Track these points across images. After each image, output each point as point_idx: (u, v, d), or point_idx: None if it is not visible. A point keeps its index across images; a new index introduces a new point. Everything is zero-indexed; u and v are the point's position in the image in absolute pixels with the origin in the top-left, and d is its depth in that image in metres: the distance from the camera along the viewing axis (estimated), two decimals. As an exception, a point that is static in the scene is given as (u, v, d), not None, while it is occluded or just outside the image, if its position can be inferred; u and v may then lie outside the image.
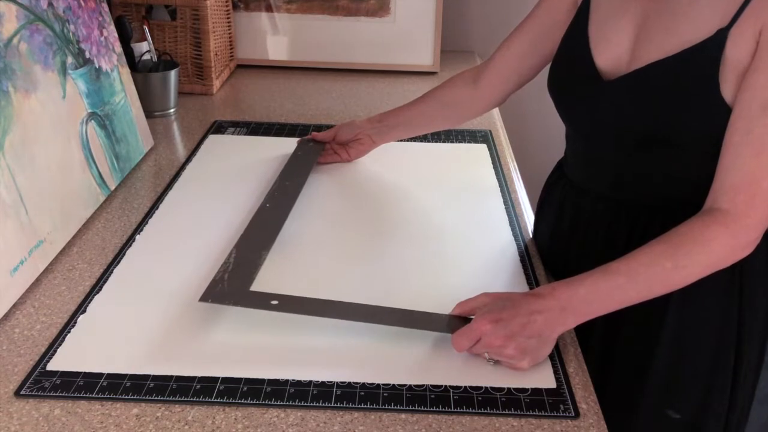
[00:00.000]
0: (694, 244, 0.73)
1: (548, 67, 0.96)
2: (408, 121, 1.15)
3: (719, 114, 0.75)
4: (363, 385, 0.72)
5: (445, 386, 0.72)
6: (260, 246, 0.93)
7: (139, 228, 1.01)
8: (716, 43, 0.73)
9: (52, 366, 0.74)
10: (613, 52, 0.84)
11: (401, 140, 1.32)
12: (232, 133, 1.36)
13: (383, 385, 0.72)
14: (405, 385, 0.72)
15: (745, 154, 0.73)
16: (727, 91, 0.74)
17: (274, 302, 0.81)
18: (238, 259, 0.89)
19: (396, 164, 1.24)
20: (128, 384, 0.71)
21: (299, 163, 1.18)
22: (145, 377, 0.72)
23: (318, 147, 1.22)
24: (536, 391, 0.72)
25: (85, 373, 0.73)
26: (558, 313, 0.73)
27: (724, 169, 0.75)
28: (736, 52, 0.73)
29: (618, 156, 0.87)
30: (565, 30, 0.93)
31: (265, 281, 0.88)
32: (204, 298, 0.81)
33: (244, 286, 0.84)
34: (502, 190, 1.15)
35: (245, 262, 0.89)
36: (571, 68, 0.90)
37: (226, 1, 1.67)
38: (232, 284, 0.84)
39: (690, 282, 0.75)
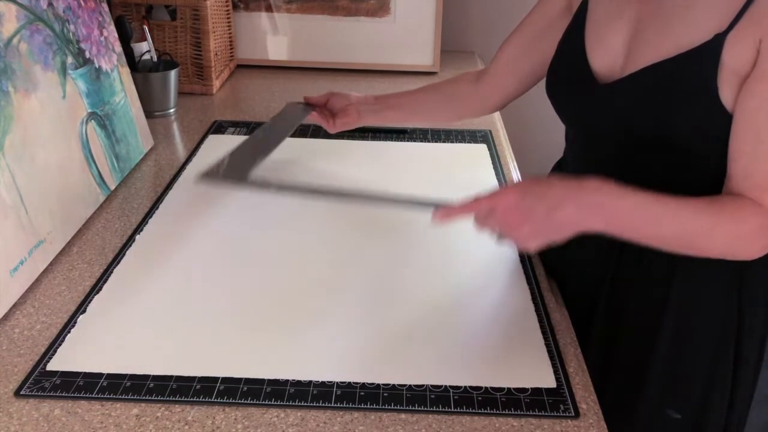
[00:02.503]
0: (732, 215, 0.72)
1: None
2: (402, 104, 1.13)
3: (718, 117, 0.75)
4: (363, 385, 0.72)
5: (445, 386, 0.72)
6: (254, 158, 0.97)
7: (139, 228, 1.01)
8: (714, 48, 0.73)
9: (52, 366, 0.74)
10: (608, 55, 0.84)
11: (399, 139, 1.32)
12: (232, 133, 1.36)
13: (383, 385, 0.72)
14: (405, 385, 0.72)
15: (762, 158, 0.73)
16: (725, 95, 0.74)
17: (273, 184, 0.85)
18: (234, 154, 0.95)
19: (396, 164, 1.24)
20: (128, 384, 0.71)
21: (286, 118, 1.18)
22: (145, 377, 0.72)
23: (307, 111, 1.19)
24: (536, 391, 0.72)
25: (85, 373, 0.73)
26: (593, 211, 0.69)
27: (741, 174, 0.74)
28: (733, 58, 0.73)
29: (616, 158, 0.87)
30: (559, 33, 0.93)
31: (264, 282, 0.88)
32: (202, 177, 0.85)
33: (243, 172, 0.87)
34: (502, 190, 1.15)
35: (243, 156, 0.94)
36: (567, 71, 0.90)
37: (226, 1, 1.67)
38: (230, 169, 0.88)
39: (704, 254, 0.75)
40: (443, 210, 0.71)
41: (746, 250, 0.75)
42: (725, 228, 0.73)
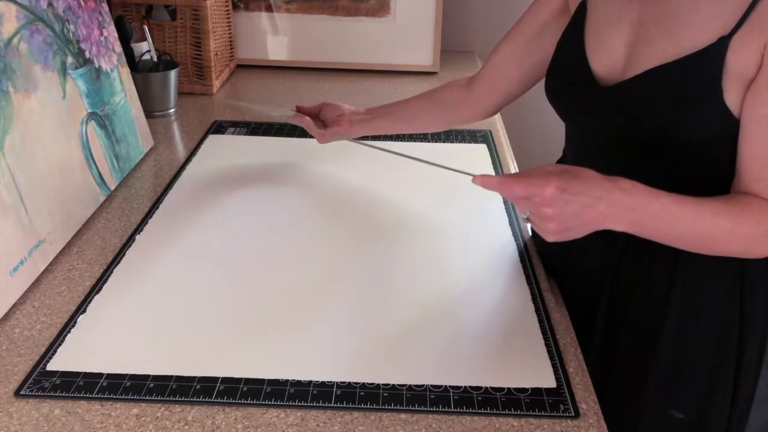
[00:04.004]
0: (753, 216, 0.73)
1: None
2: (392, 113, 1.13)
3: (723, 120, 0.75)
4: (363, 385, 0.72)
5: (445, 386, 0.72)
6: None
7: (139, 228, 1.01)
8: (718, 51, 0.73)
9: (52, 366, 0.74)
10: (609, 56, 0.84)
11: (399, 140, 1.32)
12: (232, 133, 1.36)
13: (383, 385, 0.72)
14: (405, 385, 0.72)
15: None
16: (730, 98, 0.74)
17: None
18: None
19: (396, 164, 1.24)
20: (128, 384, 0.71)
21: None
22: (145, 377, 0.72)
23: (298, 115, 1.18)
24: (536, 391, 0.72)
25: (85, 373, 0.73)
26: (622, 212, 0.70)
27: (755, 175, 0.74)
28: (738, 61, 0.72)
29: (618, 158, 0.86)
30: (554, 35, 0.93)
31: (264, 282, 0.88)
32: (234, 100, 1.09)
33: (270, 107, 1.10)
34: (502, 190, 1.15)
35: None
36: (567, 73, 0.89)
37: (226, 1, 1.67)
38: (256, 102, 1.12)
39: (722, 255, 0.75)
40: (482, 177, 0.71)
41: (765, 250, 0.76)
42: (745, 229, 0.73)
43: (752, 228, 0.73)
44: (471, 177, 0.72)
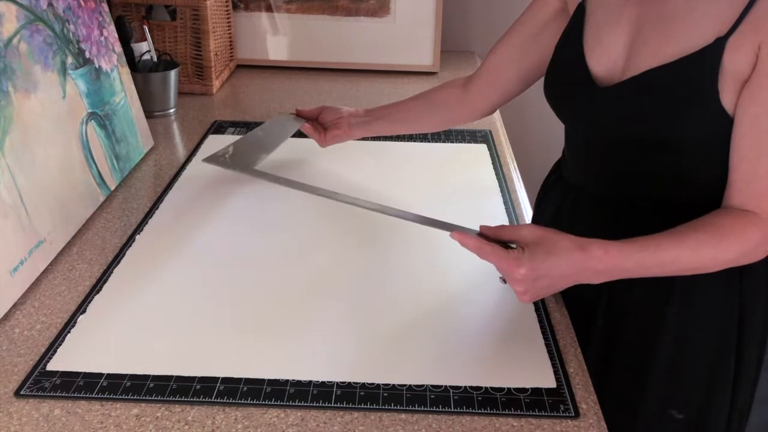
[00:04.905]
0: (734, 238, 0.74)
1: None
2: (390, 114, 1.13)
3: (719, 121, 0.75)
4: (363, 385, 0.72)
5: (445, 386, 0.72)
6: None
7: (139, 228, 1.01)
8: (715, 52, 0.73)
9: (52, 366, 0.74)
10: (608, 58, 0.84)
11: (399, 140, 1.32)
12: (232, 133, 1.36)
13: (383, 385, 0.72)
14: (405, 385, 0.72)
15: (764, 165, 0.74)
16: (726, 98, 0.74)
17: (280, 178, 1.00)
18: (238, 145, 1.14)
19: (396, 164, 1.24)
20: (128, 384, 0.71)
21: (280, 123, 1.22)
22: (145, 377, 0.72)
23: (299, 121, 1.19)
24: (536, 391, 0.72)
25: (85, 373, 0.73)
26: (592, 274, 0.72)
27: (743, 180, 0.75)
28: (734, 62, 0.73)
29: (616, 159, 0.87)
30: (552, 35, 0.93)
31: (264, 282, 0.89)
32: (208, 159, 1.06)
33: (247, 161, 1.07)
34: (502, 190, 1.15)
35: (246, 148, 1.13)
36: (566, 74, 0.89)
37: (226, 1, 1.67)
38: (235, 157, 1.06)
39: (711, 272, 0.76)
40: (460, 235, 0.74)
41: (753, 260, 0.77)
42: (727, 254, 0.74)
43: (733, 251, 0.74)
44: (462, 228, 0.76)
